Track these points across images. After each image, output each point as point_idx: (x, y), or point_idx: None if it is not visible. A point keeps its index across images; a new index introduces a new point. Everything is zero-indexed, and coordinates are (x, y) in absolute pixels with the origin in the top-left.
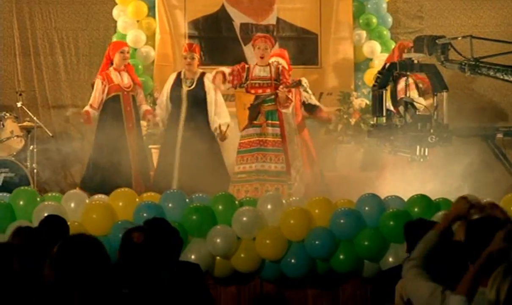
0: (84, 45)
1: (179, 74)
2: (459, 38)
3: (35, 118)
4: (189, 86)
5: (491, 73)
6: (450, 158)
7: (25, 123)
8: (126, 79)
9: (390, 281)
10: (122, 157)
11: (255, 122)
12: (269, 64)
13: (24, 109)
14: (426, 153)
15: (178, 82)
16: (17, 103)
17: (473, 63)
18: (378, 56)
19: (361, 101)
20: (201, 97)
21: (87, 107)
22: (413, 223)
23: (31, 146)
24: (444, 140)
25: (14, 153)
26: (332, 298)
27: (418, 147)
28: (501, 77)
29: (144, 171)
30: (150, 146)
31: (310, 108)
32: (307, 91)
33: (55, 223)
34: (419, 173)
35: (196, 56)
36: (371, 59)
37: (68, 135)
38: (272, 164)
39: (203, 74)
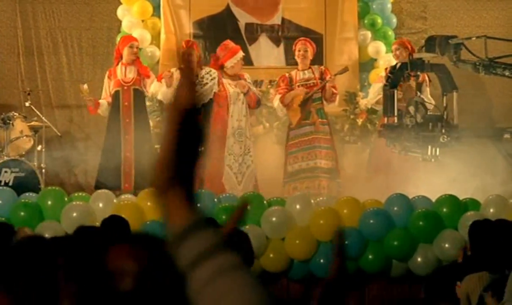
0: (87, 44)
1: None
2: (473, 39)
3: (43, 118)
4: None
5: (507, 73)
6: (457, 158)
7: (33, 123)
8: (131, 74)
9: (445, 279)
10: (114, 154)
11: (307, 121)
12: (310, 67)
13: (32, 109)
14: (438, 153)
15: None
16: (26, 103)
17: (488, 63)
18: (383, 56)
19: (367, 101)
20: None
21: (102, 100)
22: (479, 223)
23: (39, 146)
24: (455, 141)
25: (23, 153)
26: (358, 298)
27: (429, 147)
28: None
29: (143, 169)
30: (156, 146)
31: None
32: (250, 83)
33: (117, 223)
34: (427, 173)
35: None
36: (375, 60)
37: (72, 136)
38: (323, 160)
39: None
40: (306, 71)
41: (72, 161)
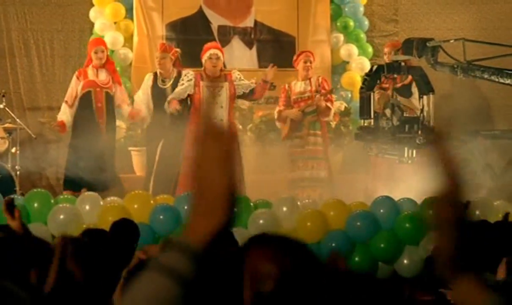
0: (59, 46)
1: (155, 74)
2: (452, 41)
3: (18, 120)
4: (168, 84)
5: (486, 75)
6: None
7: (6, 125)
8: (103, 76)
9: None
10: (97, 153)
11: (298, 133)
12: (309, 78)
13: (7, 111)
14: (414, 155)
15: (156, 82)
16: (0, 105)
17: (466, 65)
18: (355, 59)
19: (340, 104)
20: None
21: (60, 114)
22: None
23: (13, 148)
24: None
25: None
26: None
27: (406, 149)
28: (496, 80)
29: (107, 172)
30: (130, 148)
31: (247, 95)
32: (243, 80)
33: (126, 227)
34: (401, 175)
35: (168, 55)
36: (347, 62)
37: (44, 138)
38: (314, 171)
39: (180, 72)
40: (303, 83)
41: (44, 163)
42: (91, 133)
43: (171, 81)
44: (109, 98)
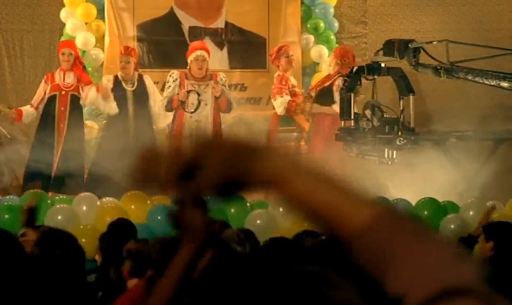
0: (29, 47)
1: (116, 76)
2: (434, 43)
3: None
4: (132, 87)
5: (470, 77)
6: (405, 161)
7: None
8: (70, 79)
9: None
10: (47, 156)
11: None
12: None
13: None
14: (394, 156)
15: (117, 84)
16: None
17: (450, 67)
18: (325, 60)
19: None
20: (145, 97)
21: (26, 106)
22: (497, 224)
23: None
24: (412, 143)
25: None
26: None
27: (386, 150)
28: (481, 81)
29: (73, 173)
30: None
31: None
32: (225, 86)
33: (124, 227)
34: (376, 177)
35: (132, 59)
36: (318, 63)
37: (14, 138)
38: None
39: (141, 75)
40: (292, 78)
41: (14, 163)
42: (48, 138)
43: (134, 86)
44: (75, 100)
